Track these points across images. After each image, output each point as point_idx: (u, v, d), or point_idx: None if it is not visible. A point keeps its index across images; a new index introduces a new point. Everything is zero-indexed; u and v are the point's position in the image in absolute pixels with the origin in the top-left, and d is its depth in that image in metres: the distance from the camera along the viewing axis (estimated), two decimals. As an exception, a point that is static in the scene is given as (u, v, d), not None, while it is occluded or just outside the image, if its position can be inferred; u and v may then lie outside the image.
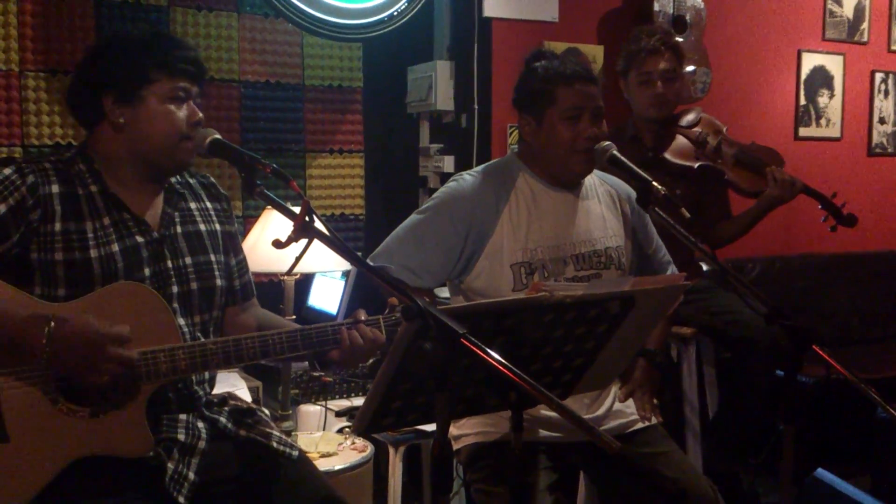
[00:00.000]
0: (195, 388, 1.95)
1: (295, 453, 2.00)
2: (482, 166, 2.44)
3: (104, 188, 1.87)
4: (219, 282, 1.99)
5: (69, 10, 3.45)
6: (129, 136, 1.87)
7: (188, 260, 1.94)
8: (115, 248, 1.83)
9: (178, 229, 1.96)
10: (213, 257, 1.99)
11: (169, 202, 1.96)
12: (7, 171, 1.78)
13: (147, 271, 1.87)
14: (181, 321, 1.88)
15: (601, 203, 2.42)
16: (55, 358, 1.64)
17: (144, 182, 1.92)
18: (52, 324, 1.63)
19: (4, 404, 1.68)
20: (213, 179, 2.12)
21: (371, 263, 2.08)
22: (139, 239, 1.88)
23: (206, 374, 1.99)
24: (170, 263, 1.91)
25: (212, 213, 2.06)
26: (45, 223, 1.78)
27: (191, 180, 2.07)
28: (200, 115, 1.91)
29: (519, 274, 2.26)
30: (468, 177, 2.37)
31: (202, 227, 2.01)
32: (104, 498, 1.73)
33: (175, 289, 1.90)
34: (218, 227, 2.05)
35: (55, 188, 1.81)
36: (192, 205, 2.03)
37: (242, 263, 2.12)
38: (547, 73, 2.30)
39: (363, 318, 1.89)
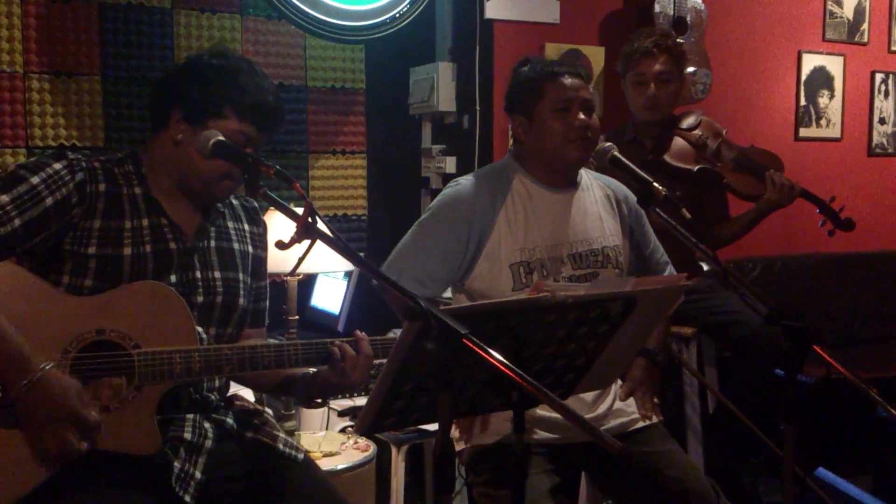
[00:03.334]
0: (206, 393, 1.96)
1: (300, 456, 2.02)
2: (478, 171, 2.47)
3: (147, 191, 1.90)
4: (241, 300, 2.00)
5: (73, 12, 3.47)
6: (180, 153, 1.89)
7: (217, 274, 1.96)
8: (149, 248, 1.86)
9: (213, 243, 1.98)
10: (241, 276, 2.01)
11: (207, 217, 1.98)
12: (57, 165, 1.80)
13: (174, 278, 1.88)
14: (199, 329, 1.89)
15: (598, 203, 2.44)
16: (22, 405, 1.65)
17: (185, 195, 1.95)
18: (39, 374, 1.64)
19: None
20: (255, 203, 2.13)
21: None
22: (172, 245, 1.89)
23: (217, 382, 2.00)
24: (199, 274, 1.92)
25: (247, 235, 2.08)
26: (85, 219, 1.81)
27: (234, 201, 2.09)
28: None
29: (518, 274, 2.28)
30: (463, 181, 2.39)
31: (235, 245, 2.03)
32: (109, 492, 1.75)
33: (200, 299, 1.91)
34: (251, 249, 2.07)
35: (101, 187, 1.84)
36: (230, 224, 2.05)
37: (262, 290, 2.14)
38: (533, 71, 2.35)
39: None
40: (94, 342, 1.75)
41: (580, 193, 2.41)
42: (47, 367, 1.66)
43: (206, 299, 1.93)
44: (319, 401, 3.14)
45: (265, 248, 2.14)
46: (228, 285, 1.97)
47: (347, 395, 3.36)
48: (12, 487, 1.69)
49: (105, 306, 1.77)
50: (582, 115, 2.30)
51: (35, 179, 1.77)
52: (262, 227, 2.14)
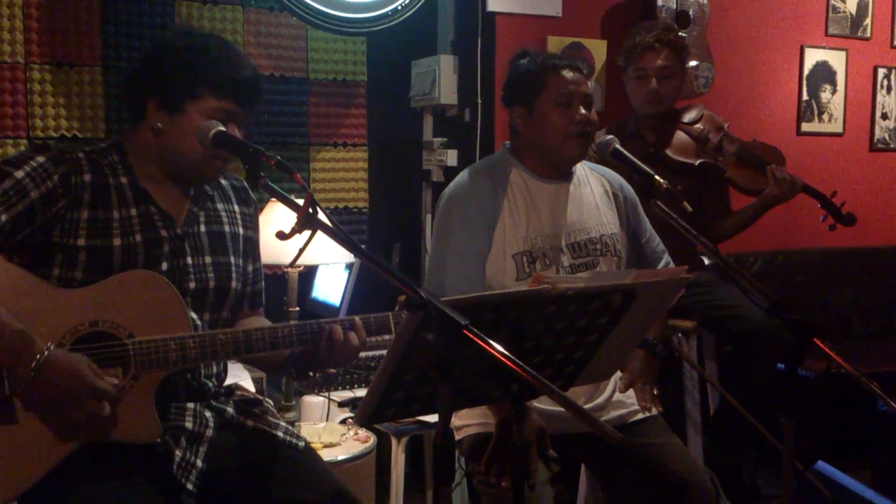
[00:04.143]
0: (204, 380, 1.96)
1: (301, 444, 2.02)
2: (474, 165, 2.47)
3: (134, 180, 1.89)
4: (234, 284, 2.00)
5: (74, 2, 3.46)
6: (164, 141, 1.89)
7: (208, 259, 1.96)
8: (139, 238, 1.85)
9: (202, 228, 1.97)
10: (232, 259, 2.01)
11: (196, 201, 1.98)
12: (41, 158, 1.80)
13: (165, 266, 1.88)
14: (192, 315, 1.89)
15: (594, 193, 2.45)
16: (35, 387, 1.65)
17: (172, 180, 1.94)
18: (46, 353, 1.64)
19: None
20: (245, 183, 2.12)
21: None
22: (162, 233, 1.89)
23: (215, 368, 2.00)
24: (189, 260, 1.92)
25: (238, 216, 2.07)
26: (72, 211, 1.80)
27: (223, 181, 2.08)
28: (238, 137, 1.89)
29: (521, 263, 2.28)
30: (462, 179, 2.39)
31: (226, 228, 2.03)
32: (112, 483, 1.75)
33: (192, 285, 1.91)
34: (241, 231, 2.07)
35: (87, 177, 1.83)
36: (220, 206, 2.04)
37: (258, 271, 2.13)
38: (535, 64, 2.35)
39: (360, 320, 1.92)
40: (89, 334, 1.75)
41: (576, 183, 2.42)
42: (51, 348, 1.66)
43: (199, 285, 1.92)
44: (312, 374, 3.13)
45: (257, 229, 2.13)
46: (220, 270, 1.97)
47: (348, 387, 3.36)
48: (16, 481, 1.69)
49: (97, 297, 1.77)
50: (582, 110, 2.30)
51: (19, 174, 1.76)
52: (253, 206, 2.13)
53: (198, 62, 1.87)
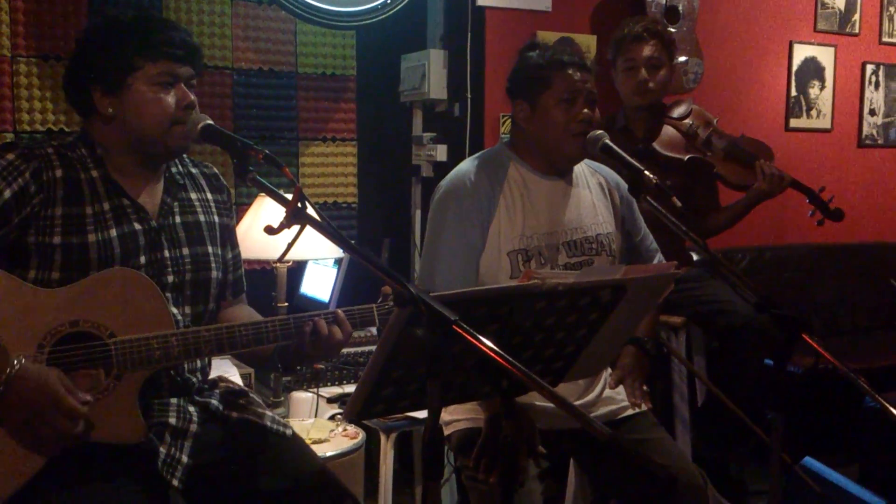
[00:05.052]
0: (188, 375, 1.95)
1: (288, 431, 2.01)
2: (471, 158, 2.45)
3: (105, 173, 1.87)
4: (214, 274, 1.99)
5: (61, -6, 3.44)
6: (119, 125, 1.87)
7: (185, 251, 1.94)
8: (114, 233, 1.83)
9: (178, 219, 1.95)
10: (210, 249, 1.99)
11: (169, 192, 1.96)
12: (10, 156, 1.78)
13: (143, 259, 1.86)
14: (173, 311, 1.88)
15: (591, 191, 2.44)
16: (3, 401, 1.62)
17: (142, 170, 1.92)
18: (17, 366, 1.62)
19: None
20: (216, 170, 2.11)
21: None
22: (137, 226, 1.87)
23: (199, 363, 1.99)
24: (167, 253, 1.90)
25: (212, 204, 2.05)
26: (46, 208, 1.78)
27: (193, 170, 2.06)
28: (191, 97, 1.88)
29: (516, 261, 2.28)
30: (460, 171, 2.37)
31: (202, 217, 2.01)
32: (97, 483, 1.73)
33: (171, 278, 1.90)
34: (217, 219, 2.05)
35: (58, 173, 1.81)
36: (193, 195, 2.02)
37: (237, 258, 2.12)
38: (542, 59, 2.33)
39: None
40: (69, 334, 1.72)
41: (574, 181, 2.42)
42: (23, 361, 1.63)
43: (177, 278, 1.91)
44: (299, 368, 3.10)
45: (231, 216, 2.12)
46: (197, 261, 1.95)
47: (336, 383, 3.36)
48: (2, 483, 1.67)
49: (77, 297, 1.74)
50: (586, 109, 2.29)
51: None
52: (226, 193, 2.12)
53: (124, 35, 1.86)
